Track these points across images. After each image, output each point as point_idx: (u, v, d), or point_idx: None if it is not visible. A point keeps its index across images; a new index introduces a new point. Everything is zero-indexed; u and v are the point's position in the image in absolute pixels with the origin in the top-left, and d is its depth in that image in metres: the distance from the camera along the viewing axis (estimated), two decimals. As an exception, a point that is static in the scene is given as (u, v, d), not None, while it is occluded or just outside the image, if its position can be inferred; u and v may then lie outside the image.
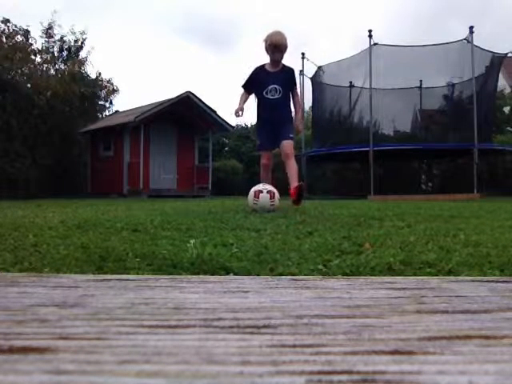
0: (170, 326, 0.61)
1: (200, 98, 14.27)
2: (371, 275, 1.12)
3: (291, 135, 4.40)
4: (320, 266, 1.23)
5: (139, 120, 13.24)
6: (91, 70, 19.95)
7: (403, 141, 12.73)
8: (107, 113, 18.29)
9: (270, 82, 4.37)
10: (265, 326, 0.61)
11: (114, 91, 17.94)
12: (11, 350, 0.51)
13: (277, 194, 3.72)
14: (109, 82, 17.63)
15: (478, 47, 10.79)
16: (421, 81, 13.18)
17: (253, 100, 4.59)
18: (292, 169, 4.30)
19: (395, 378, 0.44)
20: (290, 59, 5.11)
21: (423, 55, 11.40)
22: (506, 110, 15.53)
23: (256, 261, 1.31)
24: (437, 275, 1.12)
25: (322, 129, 13.43)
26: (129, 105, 29.38)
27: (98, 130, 14.91)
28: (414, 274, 1.14)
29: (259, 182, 4.06)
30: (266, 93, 4.39)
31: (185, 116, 14.57)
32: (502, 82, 14.62)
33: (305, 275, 1.10)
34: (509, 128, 15.13)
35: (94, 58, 29.18)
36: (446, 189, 12.21)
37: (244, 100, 4.55)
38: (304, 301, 0.76)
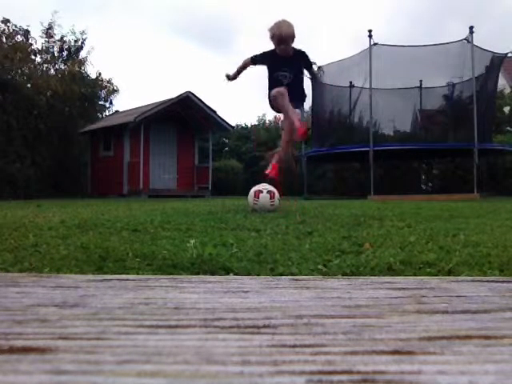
0: (170, 326, 0.61)
1: (200, 98, 14.29)
2: (371, 275, 1.12)
3: (298, 110, 4.06)
4: (320, 266, 1.23)
5: (139, 120, 13.25)
6: (91, 70, 19.97)
7: (403, 141, 12.72)
8: (107, 113, 18.30)
9: (280, 67, 4.10)
10: (265, 326, 0.61)
11: (114, 91, 17.96)
12: (11, 350, 0.51)
13: (277, 194, 3.72)
14: (109, 82, 17.65)
15: (478, 47, 10.79)
16: (421, 81, 13.17)
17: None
18: (290, 141, 4.18)
19: (395, 378, 0.44)
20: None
21: (423, 55, 11.39)
22: (506, 109, 15.53)
23: (256, 261, 1.31)
24: (437, 275, 1.12)
25: (321, 129, 13.42)
26: (129, 105, 29.39)
27: (98, 130, 14.91)
28: (414, 274, 1.14)
29: (259, 182, 4.05)
30: (277, 76, 4.12)
31: (185, 116, 14.58)
32: (502, 82, 14.61)
33: (305, 275, 1.10)
34: (509, 128, 15.13)
35: (93, 58, 29.18)
36: (446, 189, 12.20)
37: (242, 67, 4.27)
38: (304, 301, 0.76)
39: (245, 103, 55.26)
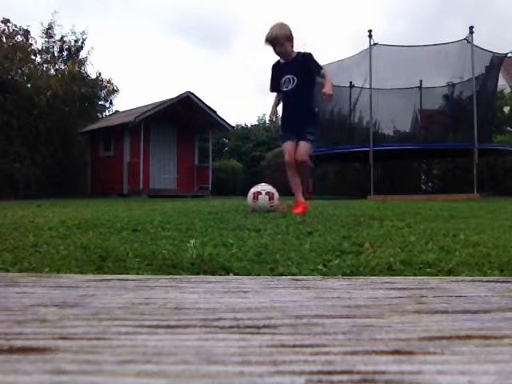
0: (169, 326, 0.61)
1: (200, 97, 14.29)
2: (371, 275, 1.12)
3: (309, 136, 3.95)
4: (320, 266, 1.23)
5: (139, 120, 13.24)
6: (91, 70, 19.95)
7: (403, 141, 12.73)
8: (107, 113, 18.30)
9: (284, 73, 4.03)
10: (265, 326, 0.61)
11: (114, 91, 17.94)
12: (11, 350, 0.51)
13: (276, 195, 3.70)
14: (109, 82, 17.64)
15: (478, 47, 10.79)
16: (421, 81, 13.18)
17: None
18: (300, 175, 3.96)
19: (395, 378, 0.44)
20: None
21: (423, 55, 11.39)
22: (506, 109, 15.53)
23: (256, 261, 1.31)
24: (437, 275, 1.12)
25: (322, 129, 13.41)
26: (129, 105, 29.37)
27: (98, 130, 14.91)
28: (414, 274, 1.14)
29: (259, 182, 4.03)
30: (282, 86, 4.05)
31: (185, 116, 14.57)
32: (502, 82, 14.62)
33: (305, 275, 1.10)
34: (509, 128, 15.13)
35: (94, 58, 29.16)
36: (446, 189, 12.20)
37: (276, 103, 4.19)
38: (304, 301, 0.76)
39: (245, 103, 55.32)
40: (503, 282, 0.96)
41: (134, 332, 0.58)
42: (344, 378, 0.44)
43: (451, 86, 12.85)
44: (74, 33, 17.22)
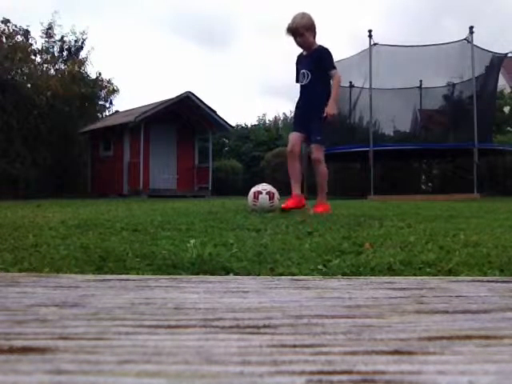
0: (170, 326, 0.61)
1: (200, 97, 14.29)
2: (371, 275, 1.12)
3: (318, 137, 3.88)
4: (320, 266, 1.22)
5: (139, 120, 13.25)
6: (91, 70, 19.94)
7: (403, 141, 12.73)
8: (107, 113, 18.29)
9: (302, 66, 3.96)
10: (265, 326, 0.61)
11: (114, 91, 17.95)
12: (11, 350, 0.51)
13: (276, 195, 3.70)
14: (109, 82, 17.65)
15: (478, 47, 10.79)
16: (421, 81, 13.18)
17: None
18: (318, 176, 3.90)
19: (395, 377, 0.44)
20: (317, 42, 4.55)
21: (423, 55, 11.39)
22: (506, 109, 15.54)
23: (256, 261, 1.31)
24: (437, 275, 1.12)
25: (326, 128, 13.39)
26: (129, 105, 29.36)
27: (98, 129, 14.91)
28: (414, 274, 1.14)
29: (259, 182, 4.03)
30: (298, 79, 3.99)
31: (185, 116, 14.58)
32: (502, 82, 14.62)
33: (305, 275, 1.10)
34: (509, 128, 15.13)
35: (94, 58, 29.14)
36: (446, 189, 12.20)
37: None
38: (304, 301, 0.76)
39: (245, 103, 55.33)
40: (503, 282, 0.96)
41: (134, 332, 0.58)
42: (344, 378, 0.44)
43: (451, 86, 12.85)
44: (73, 33, 17.26)
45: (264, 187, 3.72)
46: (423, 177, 15.79)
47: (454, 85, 12.71)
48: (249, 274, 1.14)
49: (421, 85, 13.33)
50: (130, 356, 0.49)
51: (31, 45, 15.66)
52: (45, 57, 16.29)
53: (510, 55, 11.58)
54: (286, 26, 3.82)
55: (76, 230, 2.21)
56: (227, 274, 1.16)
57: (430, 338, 0.56)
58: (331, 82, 3.90)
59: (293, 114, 4.24)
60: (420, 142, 12.45)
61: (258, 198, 3.62)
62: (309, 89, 3.89)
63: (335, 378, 0.44)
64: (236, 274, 1.16)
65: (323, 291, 0.85)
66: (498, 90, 13.56)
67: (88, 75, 16.87)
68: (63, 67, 16.45)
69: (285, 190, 4.36)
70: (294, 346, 0.53)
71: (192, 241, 1.60)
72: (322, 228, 2.25)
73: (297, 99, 4.08)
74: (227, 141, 22.50)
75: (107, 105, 18.36)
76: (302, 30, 3.77)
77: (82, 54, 17.26)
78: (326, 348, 0.52)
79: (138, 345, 0.53)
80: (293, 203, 3.70)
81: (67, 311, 0.69)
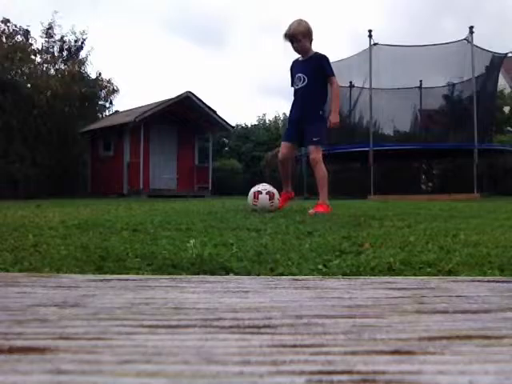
0: (170, 326, 0.61)
1: (200, 97, 14.29)
2: (371, 275, 1.12)
3: (315, 138, 3.91)
4: (320, 266, 1.22)
5: (139, 120, 13.25)
6: (91, 70, 19.95)
7: (403, 141, 12.74)
8: (107, 113, 18.30)
9: (297, 70, 4.06)
10: (265, 326, 0.61)
11: (114, 91, 17.96)
12: (11, 350, 0.51)
13: (276, 195, 3.71)
14: (109, 82, 17.65)
15: (478, 47, 10.80)
16: (421, 81, 13.19)
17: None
18: (317, 177, 3.92)
19: (395, 377, 0.44)
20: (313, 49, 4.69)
21: (423, 55, 11.41)
22: (506, 109, 15.54)
23: (256, 261, 1.31)
24: (437, 275, 1.12)
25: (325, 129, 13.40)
26: (129, 105, 29.34)
27: (98, 129, 14.92)
28: (414, 274, 1.14)
29: (259, 182, 4.04)
30: (293, 83, 4.09)
31: (185, 116, 14.58)
32: (502, 82, 14.62)
33: (305, 275, 1.10)
34: (509, 128, 15.13)
35: (93, 58, 29.16)
36: (446, 189, 12.20)
37: None
38: (304, 301, 0.76)
39: (245, 103, 55.32)
40: (503, 281, 0.96)
41: (133, 332, 0.58)
42: (344, 378, 0.44)
43: (451, 86, 12.86)
44: (73, 33, 17.27)
45: (264, 187, 3.73)
46: (423, 177, 15.80)
47: (453, 85, 12.72)
48: (249, 274, 1.14)
49: (421, 85, 13.34)
50: (130, 356, 0.49)
51: (31, 45, 15.68)
52: (45, 57, 16.29)
53: (510, 55, 11.58)
54: (284, 32, 3.95)
55: (76, 229, 2.21)
56: (227, 274, 1.16)
57: (430, 338, 0.56)
58: (328, 86, 4.03)
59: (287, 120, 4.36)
60: (420, 141, 12.45)
61: (258, 198, 3.63)
62: (305, 91, 3.98)
63: (335, 378, 0.44)
64: (236, 273, 1.16)
65: (323, 291, 0.85)
66: (498, 90, 13.56)
67: (88, 75, 16.89)
68: (63, 67, 16.45)
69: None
70: (294, 346, 0.53)
71: (192, 241, 1.60)
72: (322, 228, 2.25)
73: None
74: (227, 141, 22.50)
75: (107, 105, 18.39)
76: (299, 36, 3.90)
77: (82, 54, 17.29)
78: (326, 348, 0.52)
79: (138, 345, 0.53)
80: (282, 201, 3.93)
81: (67, 311, 0.69)
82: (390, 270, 1.19)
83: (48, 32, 16.62)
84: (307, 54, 4.00)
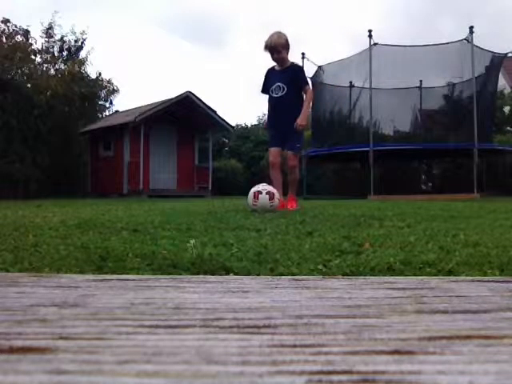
0: (170, 326, 0.61)
1: (200, 97, 14.29)
2: (371, 275, 1.12)
3: (296, 145, 4.30)
4: (320, 266, 1.22)
5: (139, 120, 13.24)
6: (91, 70, 19.94)
7: (403, 141, 12.73)
8: (107, 113, 18.29)
9: (275, 80, 4.34)
10: (265, 326, 0.61)
11: (114, 91, 17.95)
12: (11, 350, 0.51)
13: (276, 195, 3.71)
14: (109, 82, 17.64)
15: (478, 47, 10.79)
16: (421, 81, 13.18)
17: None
18: (291, 179, 4.37)
19: (395, 378, 0.44)
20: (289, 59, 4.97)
21: (423, 55, 11.39)
22: (506, 109, 15.53)
23: (256, 261, 1.31)
24: (437, 275, 1.12)
25: (321, 129, 13.42)
26: (129, 105, 29.31)
27: (98, 129, 14.91)
28: (414, 274, 1.13)
29: (259, 182, 4.04)
30: (272, 91, 4.36)
31: (185, 116, 14.57)
32: (502, 82, 14.62)
33: (305, 275, 1.10)
34: (509, 128, 15.13)
35: (94, 58, 29.12)
36: (446, 189, 12.20)
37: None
38: (304, 301, 0.76)
39: (245, 103, 55.32)
40: (503, 281, 0.96)
41: (134, 332, 0.58)
42: (344, 378, 0.44)
43: (451, 86, 12.85)
44: (73, 33, 17.26)
45: (264, 187, 3.73)
46: (423, 177, 15.79)
47: (453, 85, 12.70)
48: (249, 274, 1.14)
49: (421, 85, 13.33)
50: (130, 356, 0.49)
51: (31, 45, 15.66)
52: (45, 57, 16.28)
53: (510, 55, 11.58)
54: (264, 43, 4.26)
55: (76, 229, 2.21)
56: (227, 273, 1.16)
57: (430, 338, 0.56)
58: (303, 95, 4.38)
59: (268, 125, 4.67)
60: (420, 141, 12.44)
61: (258, 198, 3.63)
62: (286, 100, 4.31)
63: (335, 377, 0.44)
64: (236, 273, 1.16)
65: (323, 291, 0.85)
66: (498, 89, 13.56)
67: (88, 75, 16.87)
68: (63, 67, 16.44)
69: (284, 190, 4.38)
70: (294, 346, 0.53)
71: (192, 241, 1.60)
72: (322, 228, 2.25)
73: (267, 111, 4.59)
74: (227, 141, 22.49)
75: (107, 105, 18.37)
76: (279, 48, 4.23)
77: (82, 54, 17.27)
78: (326, 348, 0.52)
79: (138, 345, 0.53)
80: (280, 208, 4.10)
81: (67, 311, 0.69)
82: (390, 270, 1.19)
83: (48, 32, 16.62)
84: (285, 65, 4.33)
